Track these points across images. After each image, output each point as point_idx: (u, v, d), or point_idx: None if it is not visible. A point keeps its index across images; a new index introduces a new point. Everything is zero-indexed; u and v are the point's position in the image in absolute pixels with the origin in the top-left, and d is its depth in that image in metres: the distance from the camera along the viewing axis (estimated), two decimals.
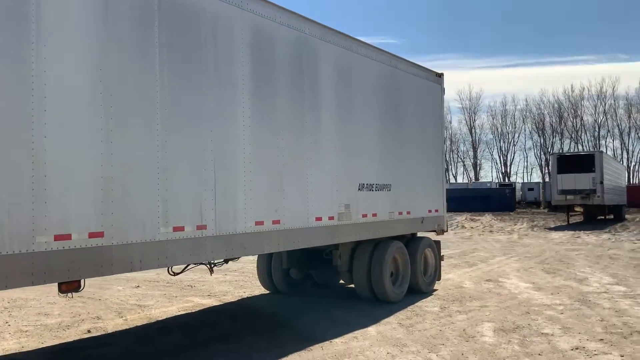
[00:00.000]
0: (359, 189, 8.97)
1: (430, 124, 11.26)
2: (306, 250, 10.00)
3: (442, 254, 11.55)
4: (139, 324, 8.55)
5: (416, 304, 9.69)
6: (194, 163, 6.16)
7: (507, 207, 49.72)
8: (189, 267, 8.01)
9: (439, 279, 11.35)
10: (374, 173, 9.39)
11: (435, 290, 10.98)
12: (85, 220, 5.06)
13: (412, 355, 6.71)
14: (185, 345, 7.27)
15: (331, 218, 8.30)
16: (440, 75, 11.71)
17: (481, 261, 15.82)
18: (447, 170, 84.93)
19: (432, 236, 11.61)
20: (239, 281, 12.52)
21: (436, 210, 11.32)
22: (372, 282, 9.60)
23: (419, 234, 11.09)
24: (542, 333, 7.67)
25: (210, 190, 6.30)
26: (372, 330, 7.93)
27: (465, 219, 38.59)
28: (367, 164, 9.21)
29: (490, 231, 28.50)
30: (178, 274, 8.07)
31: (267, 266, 10.69)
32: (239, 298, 10.55)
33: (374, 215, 9.34)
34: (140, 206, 5.54)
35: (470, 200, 50.53)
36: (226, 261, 8.70)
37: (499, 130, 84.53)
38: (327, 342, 7.30)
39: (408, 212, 10.29)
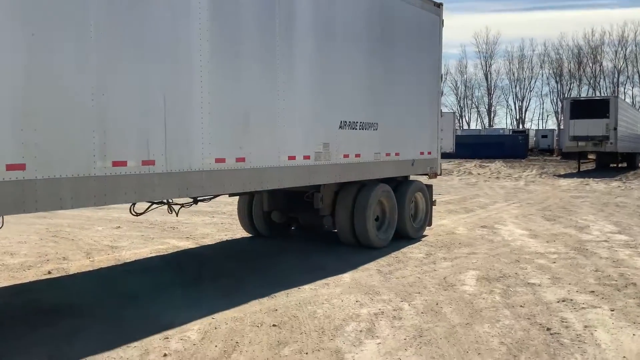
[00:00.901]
0: (341, 127, 8.30)
1: (426, 59, 10.45)
2: (289, 192, 9.47)
3: (434, 199, 10.95)
4: (105, 265, 8.12)
5: (401, 250, 9.16)
6: (139, 91, 5.52)
7: (519, 154, 48.80)
8: (152, 207, 7.51)
9: (429, 225, 10.80)
10: (359, 110, 8.70)
11: (425, 236, 10.44)
12: (1, 151, 4.49)
13: (381, 304, 6.20)
14: (143, 289, 6.82)
15: (307, 157, 7.68)
16: (440, 6, 10.82)
17: (480, 207, 15.22)
18: (461, 116, 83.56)
19: (425, 180, 11.00)
20: (225, 224, 12.06)
21: (429, 153, 10.65)
22: (355, 227, 9.06)
23: (412, 178, 10.48)
24: (528, 283, 7.13)
25: (159, 122, 5.68)
26: (347, 276, 7.43)
27: (475, 165, 37.89)
28: (350, 100, 8.51)
29: (497, 177, 27.79)
30: (141, 214, 7.57)
31: (248, 209, 10.17)
32: (218, 241, 10.10)
33: (357, 155, 8.70)
34: (71, 136, 4.95)
35: (482, 147, 49.66)
36: (195, 201, 8.18)
37: (516, 75, 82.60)
38: (295, 288, 6.82)
39: (397, 154, 9.64)
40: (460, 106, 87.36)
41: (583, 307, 6.12)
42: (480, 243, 9.80)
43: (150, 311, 5.92)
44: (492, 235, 10.65)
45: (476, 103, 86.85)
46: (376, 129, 9.09)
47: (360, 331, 5.37)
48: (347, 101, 8.42)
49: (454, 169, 35.23)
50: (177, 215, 8.35)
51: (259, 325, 5.49)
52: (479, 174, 30.70)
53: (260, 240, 10.09)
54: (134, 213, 7.53)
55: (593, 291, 6.74)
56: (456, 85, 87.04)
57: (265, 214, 9.96)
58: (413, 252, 9.06)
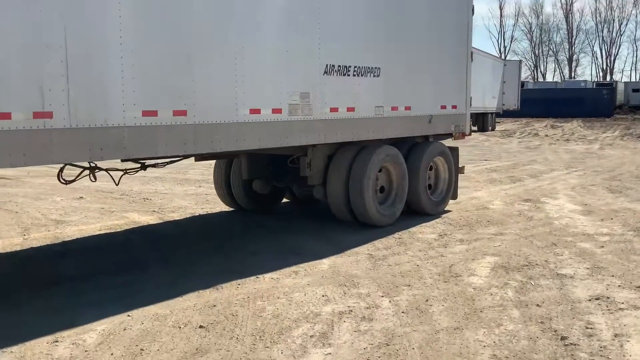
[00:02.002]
0: (326, 73, 7.62)
1: None
2: (274, 156, 8.90)
3: (461, 166, 10.20)
4: (37, 244, 7.74)
5: (409, 229, 8.50)
6: (27, 21, 4.96)
7: (603, 112, 46.95)
8: (84, 174, 7.04)
9: (454, 198, 10.06)
10: (353, 50, 7.98)
11: (448, 212, 9.72)
12: None
13: (354, 300, 5.60)
14: (62, 276, 6.39)
15: (277, 111, 7.05)
16: None
17: (532, 176, 14.33)
18: (535, 66, 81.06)
19: (450, 143, 10.27)
20: (211, 195, 11.56)
21: (454, 107, 9.86)
22: (350, 199, 8.42)
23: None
24: (558, 274, 6.40)
25: (59, 62, 5.13)
26: (325, 263, 6.85)
27: (545, 125, 36.60)
28: (340, 38, 7.80)
29: (567, 140, 26.57)
30: (70, 181, 7.10)
31: (225, 177, 9.64)
32: (188, 216, 9.62)
33: (350, 109, 8.02)
34: None
35: (558, 104, 48.04)
36: (143, 167, 7.69)
37: (603, 16, 79.28)
38: (252, 277, 6.28)
39: (407, 108, 8.90)
40: (534, 54, 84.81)
41: (621, 309, 5.39)
42: (515, 221, 9.04)
43: (54, 305, 5.47)
44: (533, 211, 9.86)
45: (554, 50, 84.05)
46: (378, 75, 8.36)
47: (311, 337, 4.79)
48: (335, 39, 7.71)
49: (518, 129, 34.05)
50: (116, 184, 7.85)
51: (182, 326, 4.97)
52: (546, 135, 29.49)
53: (238, 216, 9.58)
54: (62, 180, 7.08)
55: None
56: (530, 28, 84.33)
57: (244, 183, 9.41)
58: (424, 231, 8.40)
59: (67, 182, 7.07)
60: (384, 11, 8.38)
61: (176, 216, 9.57)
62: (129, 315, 5.19)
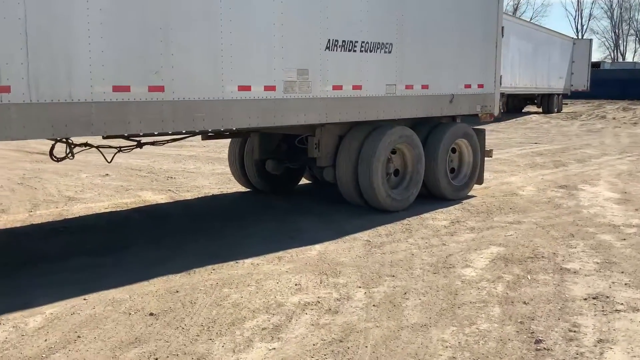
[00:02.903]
0: (328, 48, 7.21)
1: None
2: (287, 135, 8.61)
3: (489, 149, 9.62)
4: (39, 221, 7.69)
5: (421, 215, 8.05)
6: None
7: None
8: (73, 150, 6.88)
9: (480, 182, 9.50)
10: (360, 23, 7.53)
11: (472, 197, 9.19)
12: None
13: (327, 290, 5.25)
14: (43, 255, 6.26)
15: (269, 88, 6.70)
16: None
17: (578, 161, 13.52)
18: (615, 46, 77.67)
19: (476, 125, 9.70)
20: None
21: (480, 86, 9.27)
22: (359, 182, 8.02)
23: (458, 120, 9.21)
24: (562, 268, 5.87)
25: (17, 31, 4.93)
26: (316, 248, 6.52)
27: (617, 108, 34.77)
28: (344, 9, 7.37)
29: (635, 124, 25.17)
30: (62, 159, 6.96)
31: (239, 157, 9.37)
32: (202, 196, 9.43)
33: (357, 87, 7.59)
34: None
35: (635, 85, 45.64)
36: (139, 145, 7.49)
37: None
38: (232, 262, 6.01)
39: (424, 87, 8.40)
40: (614, 33, 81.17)
41: (617, 310, 4.85)
42: (540, 209, 8.45)
43: (19, 285, 5.33)
44: (565, 198, 9.21)
45: (636, 29, 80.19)
46: (389, 52, 7.90)
47: (263, 329, 4.48)
48: (340, 12, 7.29)
49: (587, 111, 32.52)
50: (108, 162, 7.62)
51: (132, 313, 4.73)
52: (614, 118, 28.06)
53: (251, 197, 9.32)
54: (54, 158, 6.96)
55: None
56: (611, 6, 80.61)
57: (257, 163, 9.12)
58: (436, 218, 7.93)
59: (58, 159, 6.94)
60: None
61: (189, 196, 9.40)
62: (84, 299, 5.00)
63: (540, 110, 32.14)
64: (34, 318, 4.62)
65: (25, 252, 6.47)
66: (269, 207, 8.59)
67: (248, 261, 6.05)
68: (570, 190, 9.82)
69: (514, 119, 27.60)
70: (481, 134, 9.38)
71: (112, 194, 9.42)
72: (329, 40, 7.20)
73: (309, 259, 6.15)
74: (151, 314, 4.71)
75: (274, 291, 5.24)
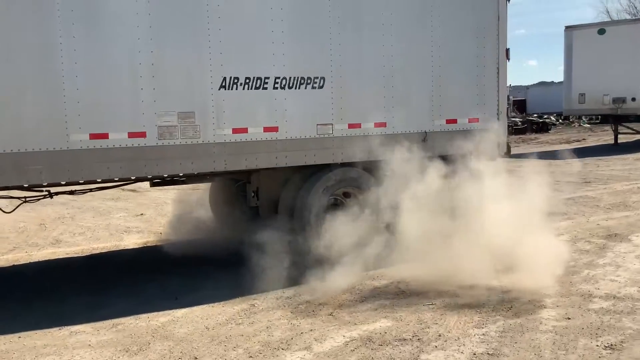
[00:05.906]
0: (223, 87, 6.40)
1: None
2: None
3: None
4: None
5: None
6: None
7: None
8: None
9: None
10: (272, 57, 6.61)
11: None
12: None
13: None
14: None
15: (136, 135, 6.06)
16: None
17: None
18: None
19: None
20: None
21: (472, 120, 7.76)
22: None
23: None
24: None
25: None
26: (175, 314, 5.75)
27: None
28: (246, 39, 6.50)
29: None
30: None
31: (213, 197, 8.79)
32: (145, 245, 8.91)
33: (271, 129, 6.66)
34: None
35: None
36: (49, 195, 7.21)
37: None
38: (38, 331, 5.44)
39: (380, 124, 7.19)
40: None
41: None
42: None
43: None
44: (593, 254, 7.33)
45: None
46: (321, 87, 6.87)
47: None
48: (238, 43, 6.43)
49: None
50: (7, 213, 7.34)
51: None
52: None
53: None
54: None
55: None
56: None
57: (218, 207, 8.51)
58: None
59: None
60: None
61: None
62: None
63: None
64: None
65: None
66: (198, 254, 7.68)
67: (70, 329, 5.45)
68: (611, 241, 7.82)
69: None
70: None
71: (103, 237, 9.31)
72: (224, 78, 6.39)
73: (138, 330, 5.39)
74: None
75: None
